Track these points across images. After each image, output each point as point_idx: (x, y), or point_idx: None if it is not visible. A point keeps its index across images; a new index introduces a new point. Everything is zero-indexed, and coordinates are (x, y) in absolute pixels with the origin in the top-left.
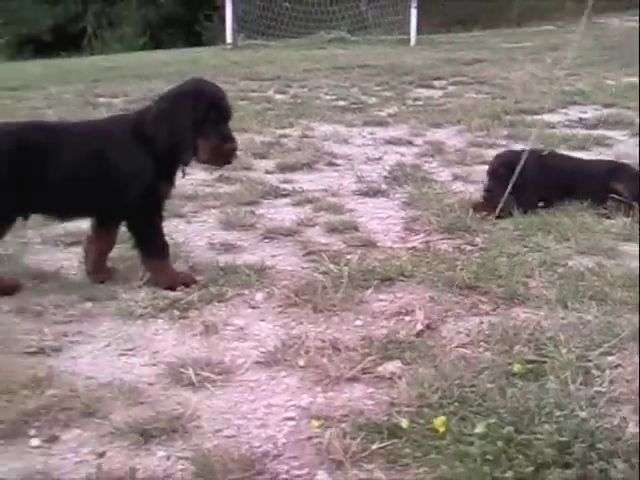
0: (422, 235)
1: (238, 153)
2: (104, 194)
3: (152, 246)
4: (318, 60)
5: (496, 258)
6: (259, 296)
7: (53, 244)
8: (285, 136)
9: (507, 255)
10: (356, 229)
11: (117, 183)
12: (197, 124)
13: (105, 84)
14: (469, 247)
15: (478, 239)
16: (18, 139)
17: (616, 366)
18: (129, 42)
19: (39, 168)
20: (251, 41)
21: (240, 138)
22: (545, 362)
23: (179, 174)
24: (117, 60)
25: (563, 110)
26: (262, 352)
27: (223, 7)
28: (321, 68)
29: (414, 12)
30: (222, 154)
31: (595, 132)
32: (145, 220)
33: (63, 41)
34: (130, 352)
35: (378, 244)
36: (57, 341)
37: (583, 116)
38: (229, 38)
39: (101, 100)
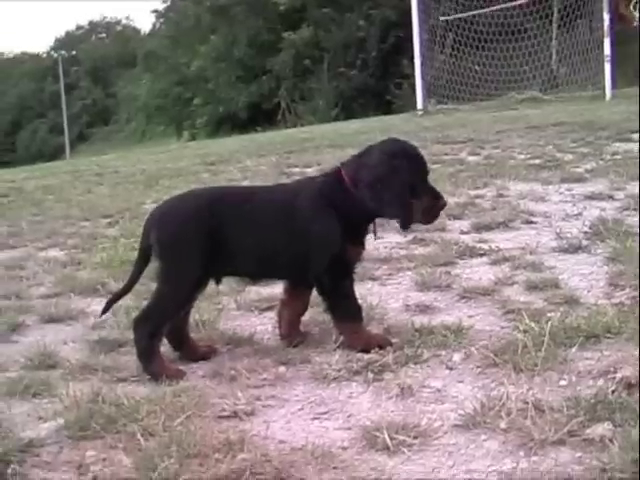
0: (629, 290)
1: None
2: (293, 257)
3: (344, 308)
4: (511, 121)
5: None
6: (456, 357)
7: (247, 309)
8: (479, 196)
9: None
10: (557, 286)
11: (306, 247)
12: (411, 185)
13: (299, 155)
14: None
15: None
16: (210, 202)
17: None
18: (322, 114)
19: (229, 230)
20: (442, 106)
21: None
22: None
23: (370, 237)
24: (310, 132)
25: None
26: (460, 414)
27: (413, 75)
28: (514, 128)
29: (608, 66)
30: (435, 212)
31: None
32: (336, 283)
33: (258, 117)
34: (323, 416)
35: (581, 300)
36: (250, 405)
37: None
38: (420, 104)
39: (295, 170)
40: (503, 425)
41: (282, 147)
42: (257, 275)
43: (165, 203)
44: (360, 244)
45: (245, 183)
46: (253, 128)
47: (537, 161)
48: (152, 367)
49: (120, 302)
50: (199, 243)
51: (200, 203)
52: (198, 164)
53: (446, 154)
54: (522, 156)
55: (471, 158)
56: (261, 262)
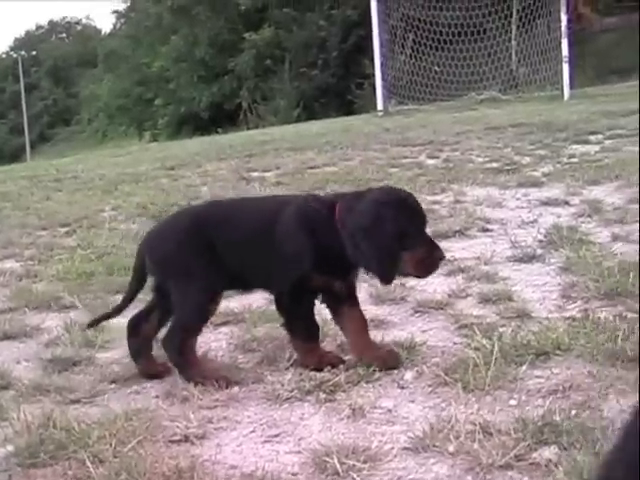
0: (580, 302)
1: None
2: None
3: (301, 327)
4: (470, 122)
5: None
6: (408, 375)
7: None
8: (437, 202)
9: None
10: (510, 299)
11: (278, 262)
12: (402, 236)
13: (259, 158)
14: (631, 314)
15: None
16: (204, 217)
17: None
18: (283, 114)
19: (222, 244)
20: (402, 107)
21: None
22: None
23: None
24: (271, 133)
25: None
26: (410, 437)
27: (374, 75)
28: (473, 130)
29: (566, 67)
30: (430, 265)
31: None
32: (295, 305)
33: (220, 117)
34: (275, 439)
35: (533, 314)
36: (202, 428)
37: None
38: (380, 105)
39: (254, 175)
40: (452, 449)
41: (242, 150)
42: (246, 287)
43: (160, 225)
44: (338, 278)
45: (204, 189)
46: (215, 129)
47: (495, 164)
48: (195, 376)
49: (74, 317)
50: (204, 257)
51: (194, 219)
52: (158, 168)
53: (405, 157)
54: (480, 159)
55: (430, 161)
56: (248, 273)
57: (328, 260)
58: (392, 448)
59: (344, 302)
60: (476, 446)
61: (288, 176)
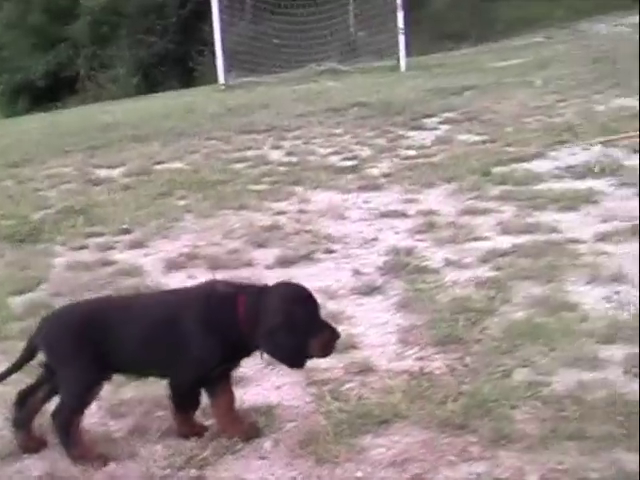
0: (417, 349)
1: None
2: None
3: (182, 399)
4: (311, 98)
5: (484, 385)
6: (267, 445)
7: None
8: (283, 213)
9: (495, 379)
10: (354, 346)
11: (181, 356)
12: (308, 327)
13: (103, 152)
14: (460, 367)
15: (468, 359)
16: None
17: None
18: (123, 83)
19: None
20: (243, 79)
21: (239, 219)
22: None
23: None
24: (113, 113)
25: (552, 153)
26: None
27: (214, 43)
28: (314, 111)
29: (402, 38)
30: (331, 346)
31: (583, 185)
32: (186, 388)
33: (58, 86)
34: None
35: (375, 365)
36: None
37: (571, 162)
38: (221, 78)
39: (101, 175)
40: None
41: (86, 139)
42: (140, 375)
43: (55, 314)
44: (234, 366)
45: (53, 194)
46: (54, 102)
47: (337, 158)
48: (74, 452)
49: None
50: (88, 351)
51: (85, 315)
52: (1, 165)
53: (250, 148)
54: (322, 150)
55: (274, 154)
56: (143, 366)
57: (231, 353)
58: None
59: (220, 380)
60: None
61: (135, 177)
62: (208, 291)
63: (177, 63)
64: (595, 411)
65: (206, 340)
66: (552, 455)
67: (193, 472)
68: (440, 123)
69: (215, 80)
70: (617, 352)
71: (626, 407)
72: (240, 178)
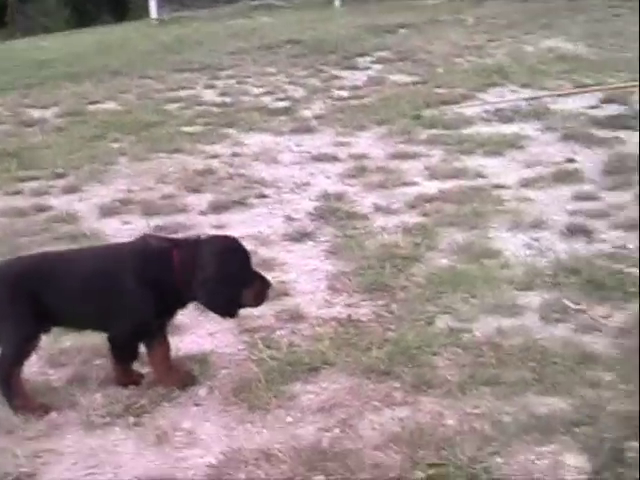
0: (345, 296)
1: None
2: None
3: (122, 351)
4: (245, 35)
5: (408, 332)
6: (202, 392)
7: None
8: (217, 156)
9: (418, 326)
10: (286, 293)
11: (118, 309)
12: (241, 278)
13: (37, 91)
14: (386, 314)
15: (394, 305)
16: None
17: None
18: (54, 16)
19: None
20: (178, 13)
21: (173, 163)
22: (444, 464)
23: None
24: (46, 49)
25: (481, 95)
26: (208, 466)
27: None
28: (248, 49)
29: None
30: (263, 295)
31: (510, 129)
32: (126, 342)
33: None
34: (95, 469)
35: (304, 313)
36: (31, 465)
37: (500, 106)
38: (154, 12)
39: (35, 115)
40: (243, 477)
41: (19, 76)
42: (78, 329)
43: None
44: (171, 318)
45: None
46: None
47: (270, 98)
48: (15, 402)
49: None
50: (26, 303)
51: (19, 272)
52: None
53: (183, 87)
54: (256, 89)
55: (207, 94)
56: (81, 319)
57: (167, 306)
58: (195, 474)
59: (157, 331)
60: (262, 475)
61: (68, 117)
62: (143, 245)
63: None
64: (511, 357)
65: (143, 294)
66: (469, 400)
67: (131, 420)
68: (373, 62)
69: (148, 14)
70: (535, 299)
71: (539, 353)
72: (174, 119)
